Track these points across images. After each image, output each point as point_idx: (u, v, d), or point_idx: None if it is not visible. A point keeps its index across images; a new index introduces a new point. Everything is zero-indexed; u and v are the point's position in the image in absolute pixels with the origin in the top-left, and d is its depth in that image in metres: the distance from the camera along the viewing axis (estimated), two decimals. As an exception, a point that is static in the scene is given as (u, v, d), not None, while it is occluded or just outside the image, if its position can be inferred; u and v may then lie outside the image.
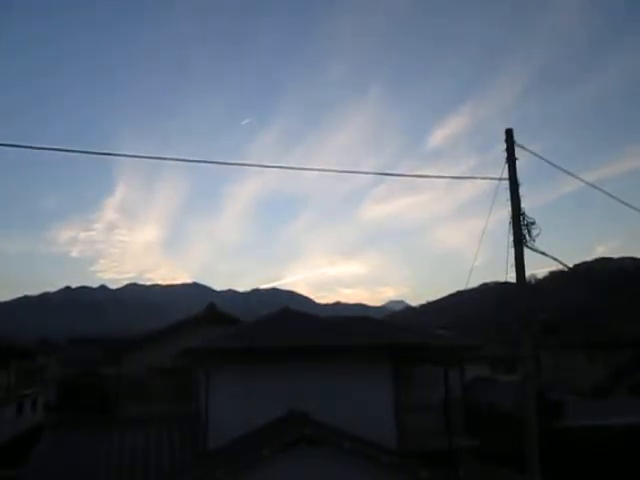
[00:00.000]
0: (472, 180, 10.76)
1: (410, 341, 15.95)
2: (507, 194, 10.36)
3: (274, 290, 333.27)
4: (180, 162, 9.47)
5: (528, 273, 10.18)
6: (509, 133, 10.67)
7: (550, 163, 10.63)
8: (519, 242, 10.13)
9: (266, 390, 13.89)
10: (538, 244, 10.05)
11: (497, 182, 10.40)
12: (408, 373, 16.55)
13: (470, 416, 18.82)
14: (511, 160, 10.48)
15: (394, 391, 14.81)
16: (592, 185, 10.80)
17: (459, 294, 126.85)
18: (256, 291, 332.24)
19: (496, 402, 22.46)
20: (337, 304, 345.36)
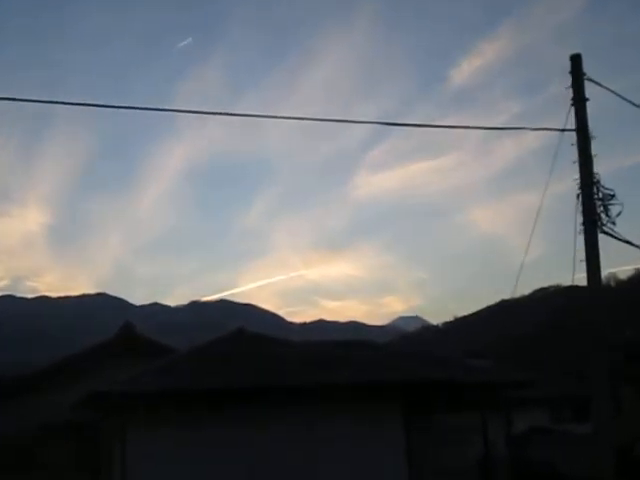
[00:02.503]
0: (518, 134, 10.85)
1: (430, 377, 16.12)
2: (572, 154, 10.33)
3: (223, 303, 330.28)
4: (73, 107, 9.23)
5: (605, 271, 10.29)
6: (576, 61, 10.57)
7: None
8: (592, 226, 10.06)
9: (213, 452, 14.05)
10: (619, 229, 10.08)
11: (557, 135, 10.37)
12: (429, 423, 16.86)
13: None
14: (579, 101, 10.43)
15: (408, 449, 15.09)
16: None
17: (502, 306, 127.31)
18: (195, 305, 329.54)
19: (559, 462, 22.89)
20: (319, 323, 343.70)
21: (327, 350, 19.45)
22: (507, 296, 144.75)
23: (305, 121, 11.33)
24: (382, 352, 22.23)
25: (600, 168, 10.59)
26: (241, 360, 16.16)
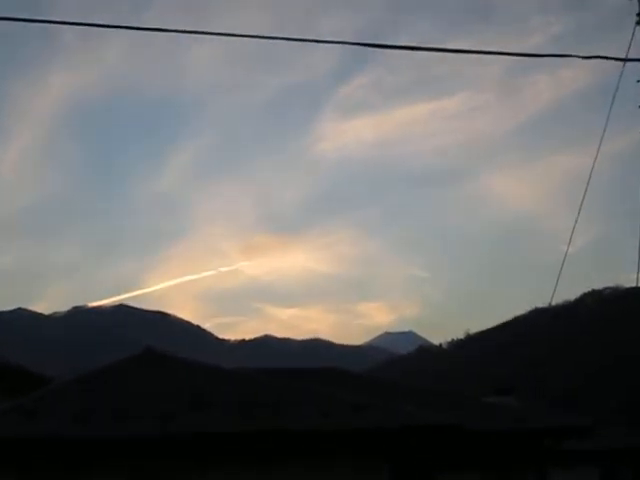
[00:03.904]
0: (555, 65, 10.66)
1: (431, 421, 16.21)
2: (636, 94, 10.79)
3: (120, 311, 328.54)
4: None
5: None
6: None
7: None
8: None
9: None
10: None
11: (614, 68, 10.58)
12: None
13: None
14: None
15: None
16: None
17: (536, 317, 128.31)
18: (79, 312, 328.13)
19: None
20: (264, 340, 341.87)
21: (276, 381, 19.66)
22: (543, 303, 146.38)
23: (246, 41, 10.73)
24: (357, 383, 22.37)
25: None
26: (145, 395, 16.37)
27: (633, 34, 10.81)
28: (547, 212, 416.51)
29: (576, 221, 11.74)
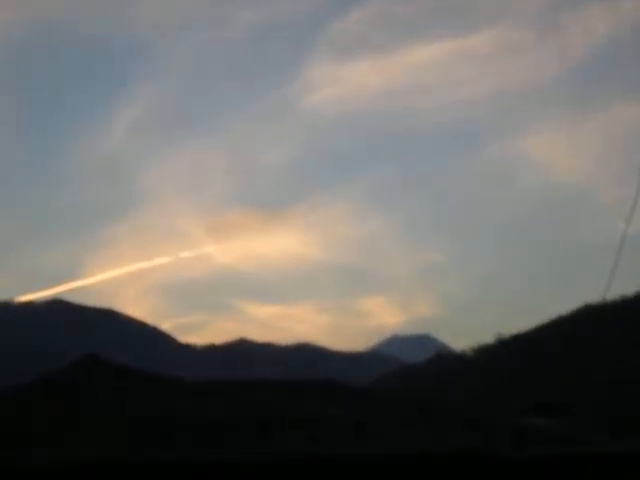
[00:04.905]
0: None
1: (452, 448, 16.66)
2: None
3: (53, 308, 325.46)
4: None
5: None
6: None
7: None
8: None
9: None
10: None
11: None
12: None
13: None
14: None
15: None
16: None
17: (586, 317, 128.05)
18: (1, 310, 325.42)
19: None
20: (239, 346, 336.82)
21: (253, 398, 20.11)
22: (595, 299, 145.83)
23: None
24: (359, 399, 22.93)
25: None
26: (89, 417, 16.93)
27: None
28: (601, 181, 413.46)
29: (638, 192, 12.35)
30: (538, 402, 40.07)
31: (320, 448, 15.37)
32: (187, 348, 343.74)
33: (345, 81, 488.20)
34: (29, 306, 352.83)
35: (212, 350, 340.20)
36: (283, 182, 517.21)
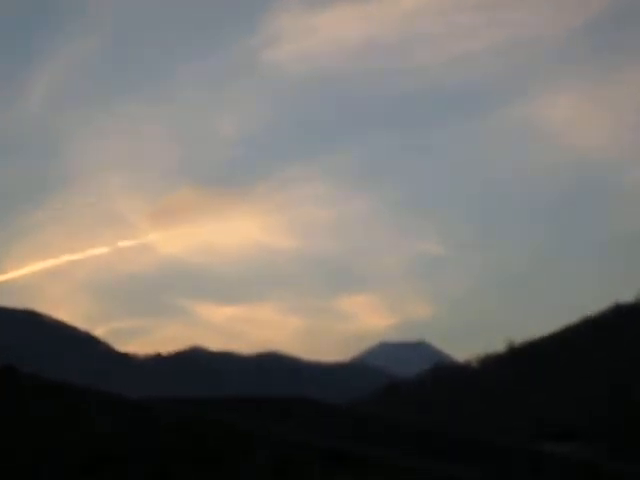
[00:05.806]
0: None
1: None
2: None
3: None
4: None
5: None
6: None
7: None
8: None
9: None
10: None
11: None
12: None
13: None
14: None
15: None
16: None
17: (613, 320, 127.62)
18: None
19: None
20: (191, 355, 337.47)
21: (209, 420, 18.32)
22: (628, 297, 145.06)
23: None
24: (338, 419, 21.37)
25: None
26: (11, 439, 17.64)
27: None
28: (631, 156, 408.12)
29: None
30: (559, 423, 38.69)
31: (291, 477, 13.49)
32: (126, 358, 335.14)
33: (319, 33, 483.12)
34: None
35: (157, 361, 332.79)
36: (242, 156, 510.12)
